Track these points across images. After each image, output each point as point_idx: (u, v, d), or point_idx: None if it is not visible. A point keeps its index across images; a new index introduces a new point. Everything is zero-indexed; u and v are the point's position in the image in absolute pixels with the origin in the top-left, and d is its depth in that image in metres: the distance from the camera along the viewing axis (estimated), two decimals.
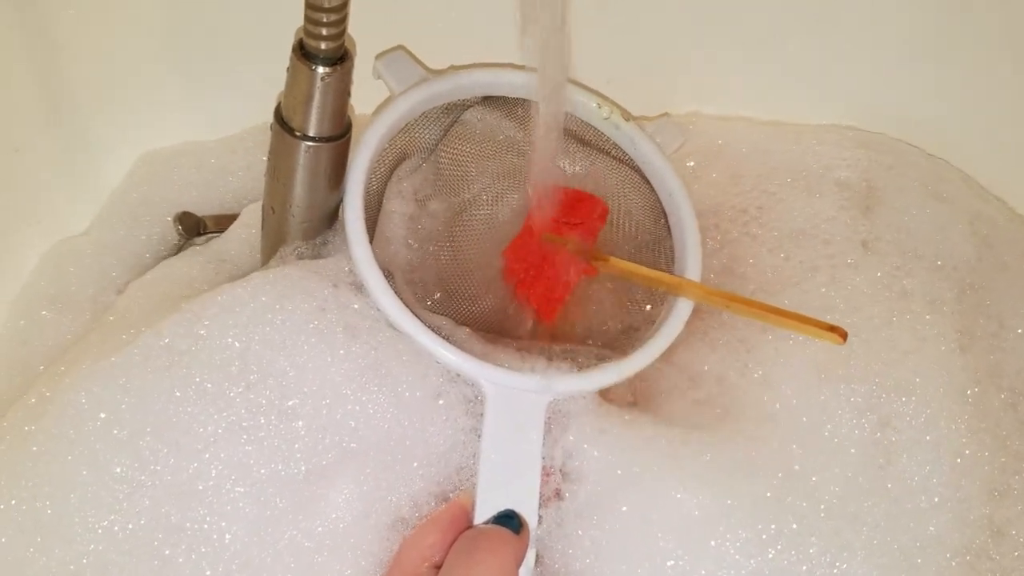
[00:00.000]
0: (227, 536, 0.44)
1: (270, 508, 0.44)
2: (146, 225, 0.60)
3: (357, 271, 0.47)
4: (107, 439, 0.44)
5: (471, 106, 0.56)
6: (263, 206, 0.51)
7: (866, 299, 0.51)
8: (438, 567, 0.42)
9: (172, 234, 0.60)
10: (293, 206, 0.49)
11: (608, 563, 0.45)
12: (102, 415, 0.44)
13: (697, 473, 0.46)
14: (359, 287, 0.49)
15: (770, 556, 0.45)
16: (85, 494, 0.43)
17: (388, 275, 0.49)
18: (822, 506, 0.46)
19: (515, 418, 0.46)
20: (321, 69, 0.43)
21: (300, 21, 0.44)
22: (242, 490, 0.44)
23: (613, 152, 0.57)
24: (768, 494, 0.46)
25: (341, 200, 0.50)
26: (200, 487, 0.44)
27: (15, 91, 0.55)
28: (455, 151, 0.56)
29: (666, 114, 0.60)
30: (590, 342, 0.53)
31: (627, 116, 0.56)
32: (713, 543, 0.45)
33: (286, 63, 0.49)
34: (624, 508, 0.46)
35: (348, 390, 0.46)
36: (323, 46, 0.42)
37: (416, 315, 0.47)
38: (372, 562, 0.45)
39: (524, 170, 0.57)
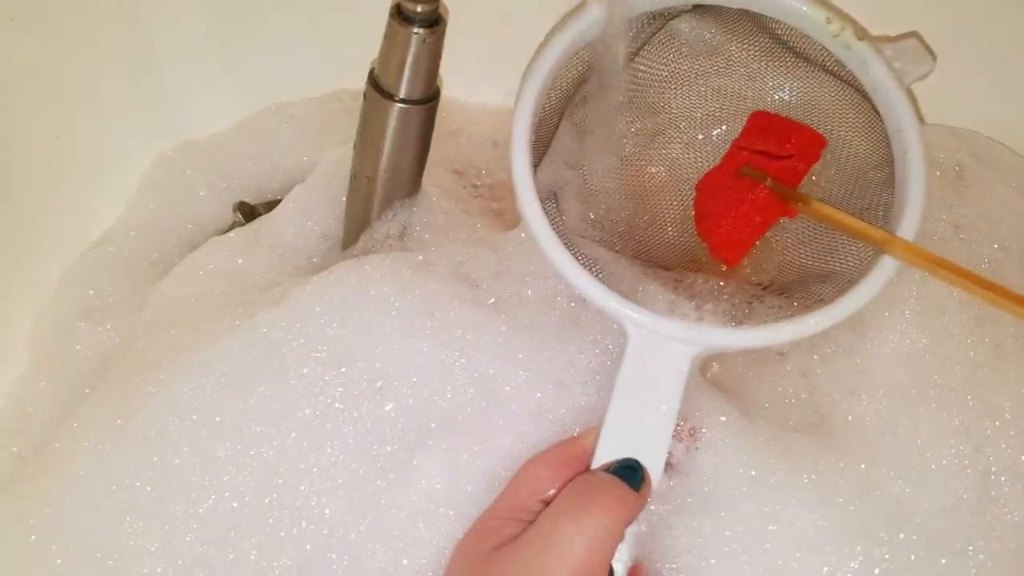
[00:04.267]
0: (327, 510, 0.45)
1: (367, 483, 0.45)
2: (172, 229, 0.60)
3: (515, 188, 0.44)
4: (209, 426, 0.45)
5: (679, 15, 0.50)
6: (352, 176, 0.51)
7: (956, 302, 0.49)
8: (544, 500, 0.41)
9: (196, 236, 0.60)
10: (383, 170, 0.50)
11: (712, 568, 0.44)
12: (203, 405, 0.45)
13: (813, 488, 0.45)
14: (441, 275, 0.48)
15: None
16: (190, 478, 0.44)
17: (552, 197, 0.46)
18: (928, 539, 0.45)
19: (655, 366, 0.42)
20: (419, 31, 0.45)
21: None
22: (340, 467, 0.45)
23: (841, 75, 0.50)
24: (879, 521, 0.45)
25: (423, 165, 0.50)
26: (302, 466, 0.45)
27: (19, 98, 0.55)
28: (655, 66, 0.51)
29: (915, 33, 0.50)
30: (764, 294, 0.48)
31: (861, 35, 0.48)
32: (826, 569, 0.43)
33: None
34: (740, 510, 0.44)
35: (432, 368, 0.46)
36: (419, 9, 0.44)
37: (571, 245, 0.44)
38: (468, 524, 0.44)
39: (733, 92, 0.51)
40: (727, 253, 0.50)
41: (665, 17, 0.49)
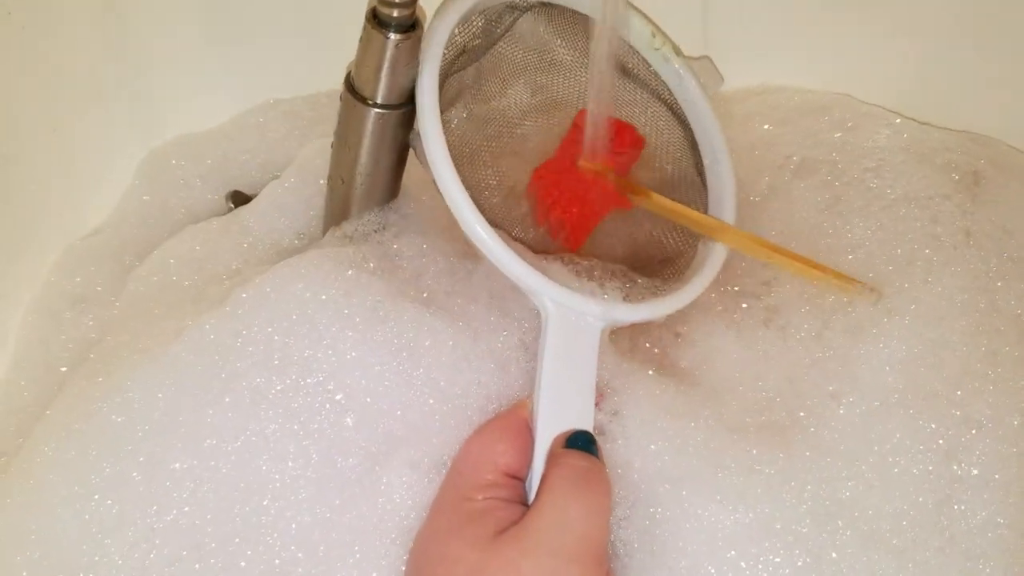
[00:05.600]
0: (293, 525, 0.44)
1: (332, 496, 0.45)
2: (165, 220, 0.60)
3: (434, 170, 0.45)
4: (165, 437, 0.44)
5: (529, 10, 0.53)
6: (329, 177, 0.51)
7: (956, 308, 0.50)
8: (508, 474, 0.42)
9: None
10: (359, 174, 0.49)
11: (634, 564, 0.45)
12: (156, 414, 0.45)
13: (739, 486, 0.45)
14: (378, 270, 0.48)
15: None
16: (148, 491, 0.44)
17: None
18: (868, 537, 0.45)
19: (573, 339, 0.45)
20: (394, 36, 0.44)
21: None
22: (303, 481, 0.44)
23: (653, 85, 0.55)
24: (810, 519, 0.45)
25: (402, 170, 0.50)
26: (265, 480, 0.44)
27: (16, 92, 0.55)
28: (502, 56, 0.53)
29: (707, 57, 0.57)
30: (629, 272, 0.51)
31: (678, 51, 0.54)
32: (744, 564, 0.44)
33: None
34: (658, 509, 0.45)
35: (388, 379, 0.46)
36: (395, 13, 0.43)
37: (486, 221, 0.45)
38: None
39: (568, 90, 0.55)
40: (573, 237, 0.53)
41: (518, 10, 0.52)
